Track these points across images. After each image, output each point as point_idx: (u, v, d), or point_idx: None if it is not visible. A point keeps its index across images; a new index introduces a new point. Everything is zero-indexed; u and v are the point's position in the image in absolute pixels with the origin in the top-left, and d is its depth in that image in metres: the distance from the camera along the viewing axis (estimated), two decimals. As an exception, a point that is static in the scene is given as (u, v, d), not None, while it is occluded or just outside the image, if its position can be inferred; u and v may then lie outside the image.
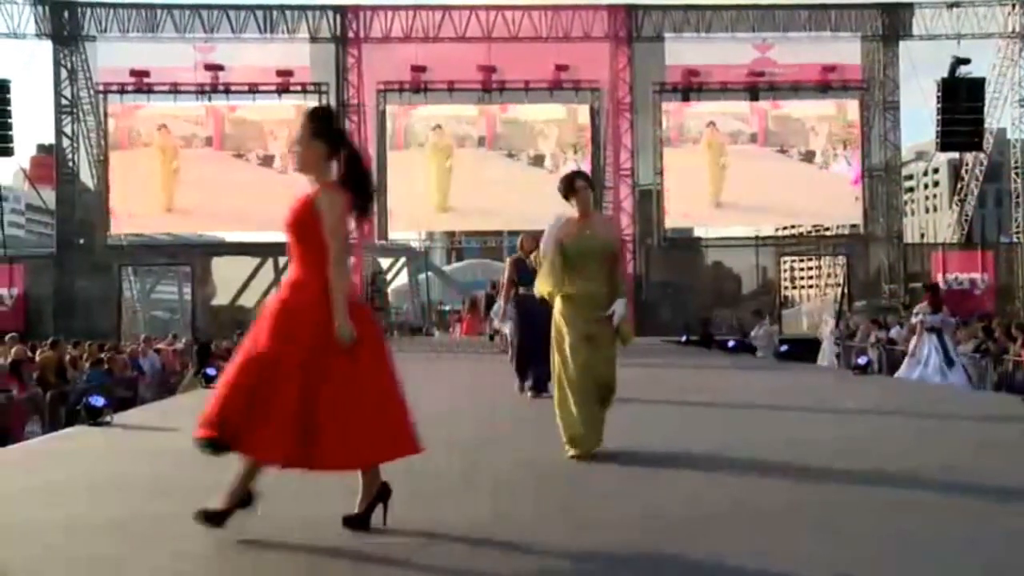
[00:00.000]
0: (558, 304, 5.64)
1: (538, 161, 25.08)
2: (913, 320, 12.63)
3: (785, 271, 32.44)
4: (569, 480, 4.99)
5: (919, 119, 31.37)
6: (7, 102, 24.18)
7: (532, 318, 8.30)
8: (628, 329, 5.74)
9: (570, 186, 5.71)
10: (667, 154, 25.39)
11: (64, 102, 24.78)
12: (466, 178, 25.10)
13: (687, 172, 25.19)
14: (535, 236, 8.66)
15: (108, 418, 7.51)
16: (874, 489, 4.61)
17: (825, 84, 25.32)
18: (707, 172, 25.35)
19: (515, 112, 25.43)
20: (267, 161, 24.85)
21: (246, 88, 24.90)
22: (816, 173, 25.55)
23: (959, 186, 28.02)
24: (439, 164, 25.31)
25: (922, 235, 62.62)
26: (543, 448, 6.00)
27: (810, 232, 33.10)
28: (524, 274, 8.89)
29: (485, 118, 25.48)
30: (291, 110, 24.86)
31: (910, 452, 5.87)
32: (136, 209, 24.83)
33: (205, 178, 24.41)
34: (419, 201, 25.35)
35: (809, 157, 25.52)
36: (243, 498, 3.67)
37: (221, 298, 26.12)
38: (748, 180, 24.95)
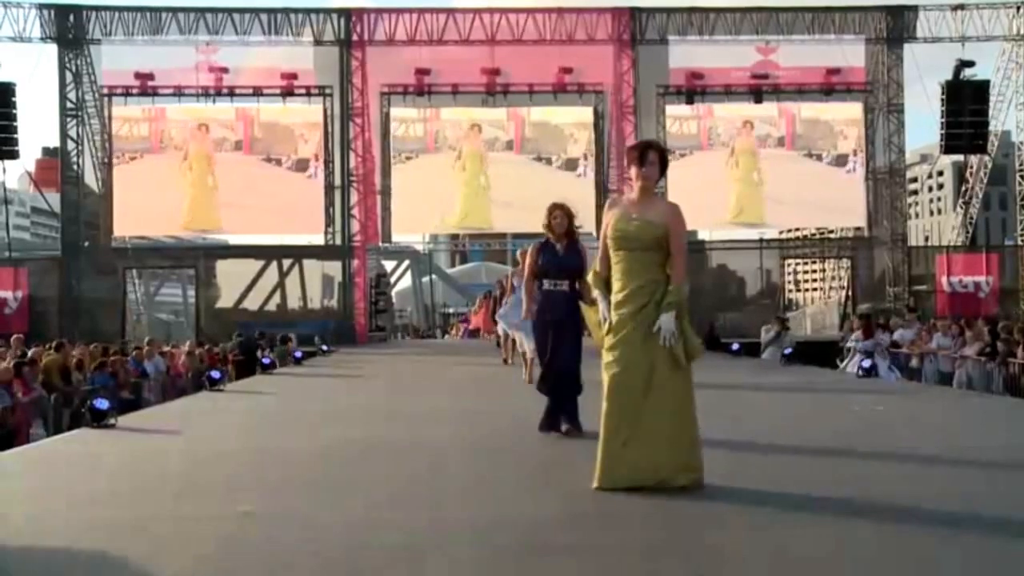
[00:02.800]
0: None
1: (570, 165, 25.00)
2: (848, 345, 15.23)
3: (789, 274, 32.43)
4: (572, 482, 4.98)
5: (923, 122, 31.17)
6: (12, 105, 24.19)
7: (559, 323, 6.28)
8: (688, 348, 4.52)
9: (642, 156, 4.57)
10: (695, 157, 25.25)
11: (69, 105, 24.80)
12: (496, 184, 24.88)
13: (702, 176, 25.07)
14: (567, 211, 6.56)
15: (112, 421, 7.52)
16: (876, 491, 4.61)
17: (829, 87, 25.25)
18: (736, 187, 25.14)
19: (544, 115, 25.29)
20: (299, 165, 24.81)
21: (250, 91, 24.86)
22: (844, 176, 25.44)
23: (963, 189, 27.96)
24: (472, 178, 25.00)
25: (926, 238, 62.59)
26: (547, 449, 6.01)
27: (814, 235, 33.03)
28: (551, 263, 6.44)
29: (514, 122, 25.30)
30: (320, 113, 24.87)
31: (913, 455, 5.86)
32: (163, 213, 24.66)
33: (237, 183, 24.32)
34: (423, 203, 25.26)
35: (840, 161, 25.47)
36: None
37: (225, 300, 26.10)
38: (782, 192, 24.79)
